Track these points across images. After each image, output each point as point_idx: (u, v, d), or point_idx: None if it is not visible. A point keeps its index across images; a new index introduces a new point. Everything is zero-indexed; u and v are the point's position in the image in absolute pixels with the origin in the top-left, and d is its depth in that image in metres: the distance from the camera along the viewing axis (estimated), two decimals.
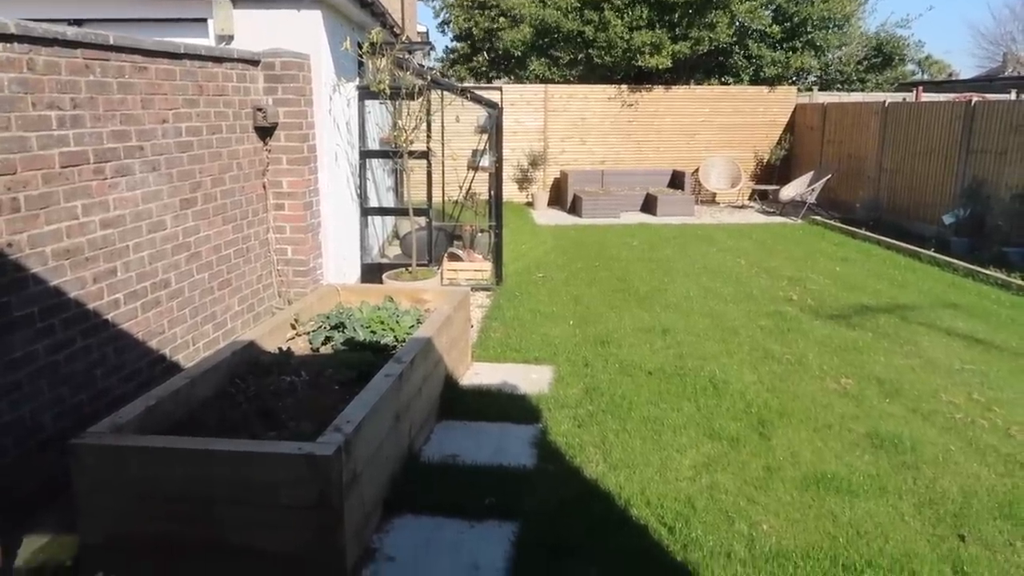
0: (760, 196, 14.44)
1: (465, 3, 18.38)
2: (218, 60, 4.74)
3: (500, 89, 13.50)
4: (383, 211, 8.20)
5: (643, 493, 3.54)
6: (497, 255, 7.74)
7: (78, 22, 5.14)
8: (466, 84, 15.33)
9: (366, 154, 7.15)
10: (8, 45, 3.07)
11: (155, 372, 4.10)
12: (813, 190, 12.72)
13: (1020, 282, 7.76)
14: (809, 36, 15.89)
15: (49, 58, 3.28)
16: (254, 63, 5.20)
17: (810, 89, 16.29)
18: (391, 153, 7.21)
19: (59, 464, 2.91)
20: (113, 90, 3.72)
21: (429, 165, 6.93)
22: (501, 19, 17.47)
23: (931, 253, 9.19)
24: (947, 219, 9.96)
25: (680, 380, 5.04)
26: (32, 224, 3.20)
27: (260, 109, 5.19)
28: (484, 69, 18.68)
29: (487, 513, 3.32)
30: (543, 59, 16.40)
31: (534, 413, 4.46)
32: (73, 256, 3.46)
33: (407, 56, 7.48)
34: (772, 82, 15.61)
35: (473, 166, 10.03)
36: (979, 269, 8.32)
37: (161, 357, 4.20)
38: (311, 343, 4.38)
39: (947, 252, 9.23)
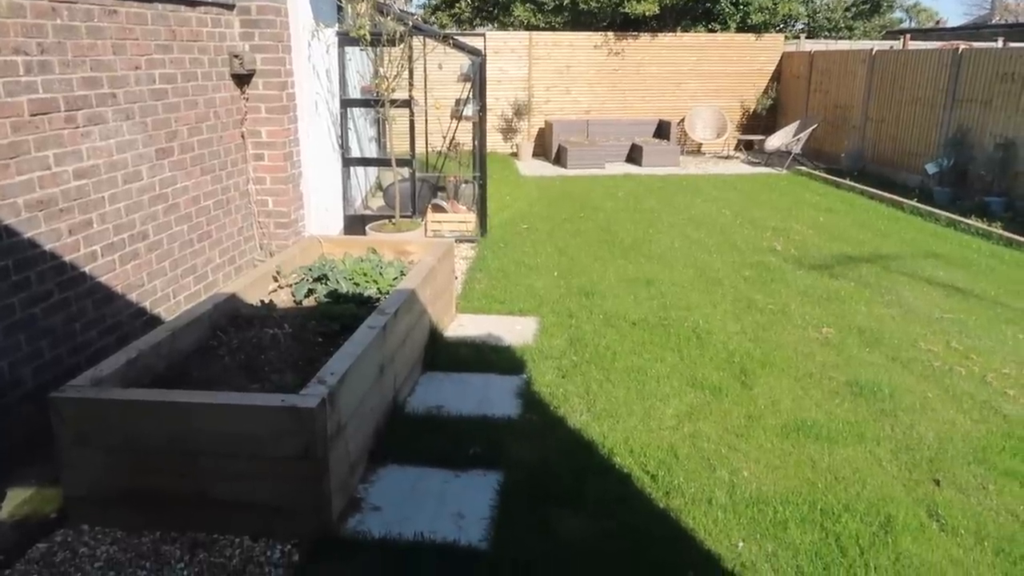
0: (746, 146, 14.37)
1: None
2: (191, 4, 4.59)
3: (483, 36, 13.22)
4: (365, 162, 8.08)
5: (626, 442, 3.58)
6: (481, 206, 7.68)
7: None
8: (449, 31, 14.98)
9: (347, 103, 7.01)
10: None
11: (136, 325, 4.06)
12: (799, 140, 12.67)
13: (1000, 232, 7.81)
14: None
15: (14, 0, 3.15)
16: (229, 7, 5.03)
17: (797, 37, 16.09)
18: (373, 102, 7.07)
19: (40, 418, 2.89)
20: (82, 34, 3.59)
21: (412, 114, 6.81)
22: None
23: (914, 203, 9.22)
24: (930, 168, 9.97)
25: (664, 331, 5.07)
26: (3, 175, 3.11)
27: (236, 55, 5.04)
28: (468, 16, 18.26)
29: (472, 463, 3.35)
30: (528, 4, 16.06)
31: (518, 364, 4.48)
32: (47, 207, 3.38)
33: (387, 1, 7.28)
34: (759, 29, 15.40)
35: (457, 115, 9.87)
36: (961, 219, 8.37)
37: (141, 310, 4.16)
38: (294, 295, 4.34)
39: (930, 202, 9.27)
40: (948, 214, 8.60)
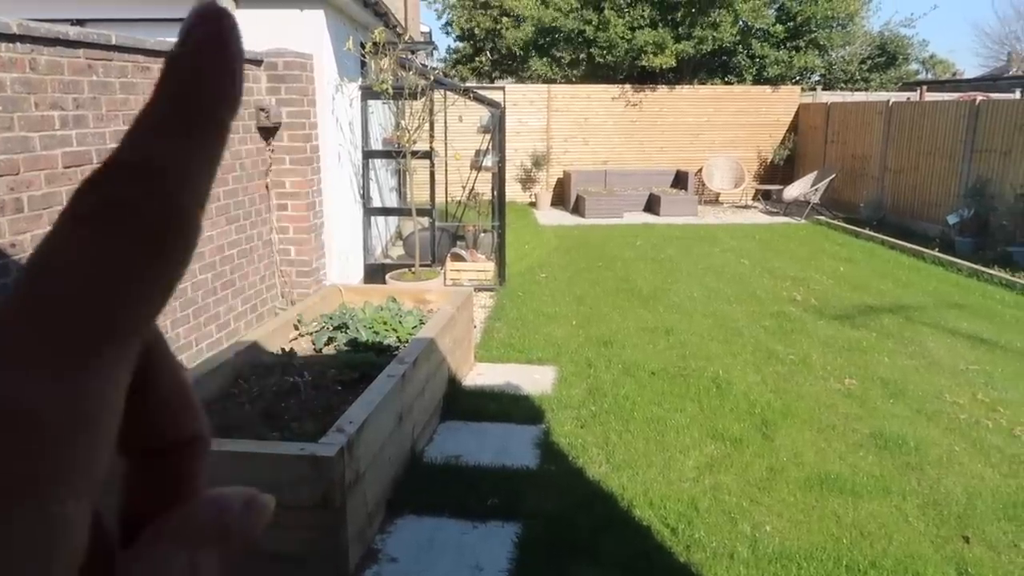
0: (764, 196, 14.42)
1: (467, 3, 18.38)
2: None
3: (503, 89, 13.48)
4: (386, 211, 8.20)
5: (646, 494, 3.53)
6: (500, 255, 7.73)
7: (80, 22, 5.15)
8: (469, 84, 15.33)
9: (369, 154, 7.14)
10: (11, 45, 3.07)
11: None
12: (817, 190, 12.70)
13: None
14: (813, 35, 15.86)
15: (51, 58, 3.29)
16: (257, 63, 5.20)
17: (814, 89, 16.25)
18: (394, 153, 7.21)
19: None
20: (116, 90, 3.72)
21: (432, 165, 6.93)
22: (503, 19, 17.48)
23: (935, 253, 9.16)
24: (951, 219, 9.93)
25: (683, 381, 5.03)
26: (35, 225, 3.20)
27: (263, 109, 5.19)
28: (487, 69, 18.68)
29: (490, 514, 3.32)
30: (545, 58, 16.39)
31: (537, 414, 4.46)
32: None
33: (410, 56, 7.48)
34: (776, 82, 15.58)
35: (476, 166, 10.03)
36: (983, 269, 8.30)
37: None
38: (314, 343, 4.38)
39: (951, 252, 9.21)
40: (970, 264, 8.53)
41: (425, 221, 7.09)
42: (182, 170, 0.21)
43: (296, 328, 4.54)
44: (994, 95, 13.35)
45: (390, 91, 6.33)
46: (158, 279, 0.21)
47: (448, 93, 7.58)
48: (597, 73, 15.71)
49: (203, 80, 0.22)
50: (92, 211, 0.21)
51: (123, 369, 0.21)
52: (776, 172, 14.66)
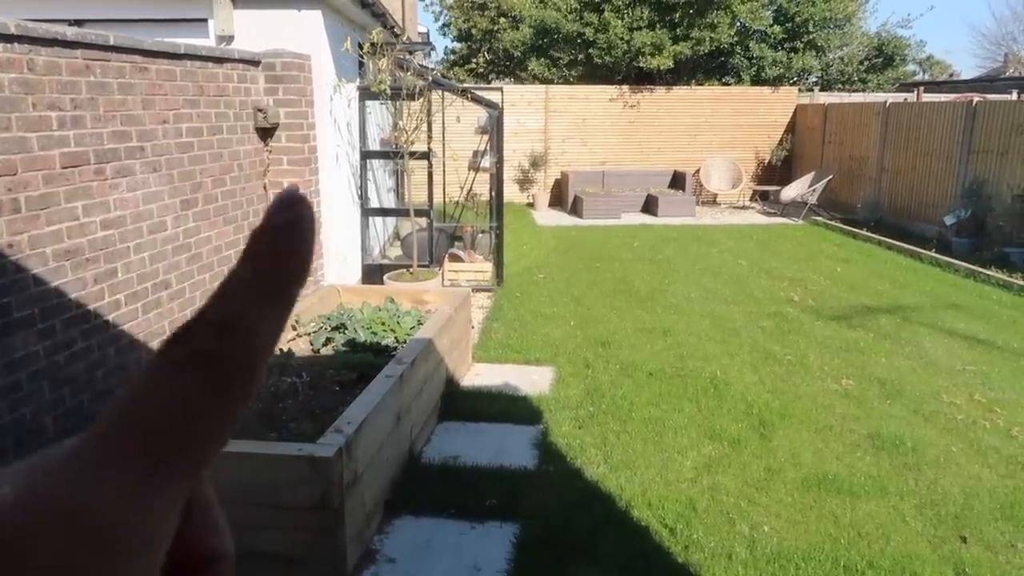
0: (761, 197, 14.43)
1: (464, 4, 18.38)
2: (219, 61, 4.74)
3: (501, 90, 13.49)
4: (384, 212, 8.20)
5: (644, 494, 3.53)
6: (498, 256, 7.74)
7: (78, 22, 5.14)
8: (467, 85, 15.33)
9: (367, 155, 7.14)
10: (8, 45, 3.06)
11: None
12: (814, 191, 12.72)
13: (1021, 283, 7.75)
14: (810, 36, 15.88)
15: (49, 58, 3.28)
16: (255, 63, 5.19)
17: (811, 89, 16.28)
18: (392, 154, 7.21)
19: None
20: (114, 90, 3.72)
21: (430, 166, 6.93)
22: (501, 20, 17.48)
23: (932, 254, 9.18)
24: (948, 220, 9.95)
25: (681, 381, 5.04)
26: (33, 225, 3.20)
27: (261, 110, 5.18)
28: (483, 71, 18.68)
29: (488, 514, 3.32)
30: (543, 60, 16.40)
31: (535, 414, 4.46)
32: (74, 257, 3.46)
33: (408, 56, 7.48)
34: (773, 82, 15.60)
35: (474, 167, 10.04)
36: (980, 270, 8.31)
37: None
38: (312, 344, 4.38)
39: (948, 253, 9.23)
40: (967, 265, 8.55)
41: (423, 222, 7.09)
42: (255, 331, 0.26)
43: (294, 328, 4.53)
44: (991, 96, 13.38)
45: (388, 92, 6.33)
46: (228, 420, 0.25)
47: (446, 94, 7.58)
48: (595, 74, 15.72)
49: (280, 260, 0.26)
50: (187, 358, 0.25)
51: (187, 493, 0.25)
52: (774, 173, 14.68)
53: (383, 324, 4.56)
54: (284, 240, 0.26)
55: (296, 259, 0.27)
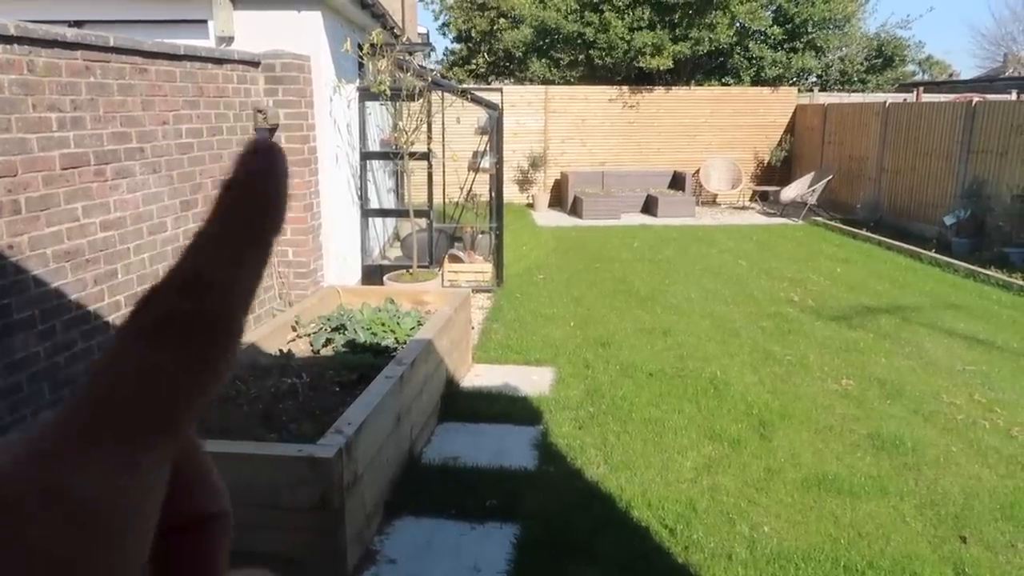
0: (761, 197, 14.44)
1: (464, 4, 18.38)
2: (218, 62, 4.74)
3: (500, 90, 13.49)
4: (384, 212, 8.20)
5: (644, 495, 3.53)
6: (498, 256, 7.74)
7: (78, 23, 5.14)
8: (466, 86, 15.34)
9: (367, 156, 7.14)
10: (8, 47, 3.07)
11: None
12: (814, 191, 12.72)
13: (1021, 283, 7.75)
14: (810, 37, 15.89)
15: (49, 60, 3.28)
16: (254, 64, 5.20)
17: (811, 90, 16.28)
18: (392, 154, 7.21)
19: None
20: (113, 92, 3.72)
21: (430, 166, 6.93)
22: (501, 20, 17.49)
23: (932, 254, 9.18)
24: (948, 220, 9.95)
25: (681, 382, 5.04)
26: (33, 226, 3.20)
27: (260, 111, 5.19)
28: (483, 72, 18.68)
29: (488, 515, 3.32)
30: (544, 60, 16.40)
31: (535, 415, 4.46)
32: (74, 258, 3.46)
33: (407, 57, 7.48)
34: (773, 83, 15.60)
35: (474, 167, 10.03)
36: (980, 270, 8.32)
37: None
38: (312, 345, 4.38)
39: (948, 253, 9.23)
40: (967, 265, 8.55)
41: (423, 222, 7.10)
42: (230, 283, 0.25)
43: (294, 329, 4.53)
44: (990, 96, 13.38)
45: (388, 92, 6.33)
46: (205, 378, 0.24)
47: (446, 94, 7.58)
48: (595, 74, 15.72)
49: (251, 206, 0.25)
50: (151, 325, 0.24)
51: (169, 459, 0.24)
52: (773, 173, 14.68)
53: (383, 325, 4.56)
54: (256, 186, 0.25)
55: (268, 205, 0.25)
